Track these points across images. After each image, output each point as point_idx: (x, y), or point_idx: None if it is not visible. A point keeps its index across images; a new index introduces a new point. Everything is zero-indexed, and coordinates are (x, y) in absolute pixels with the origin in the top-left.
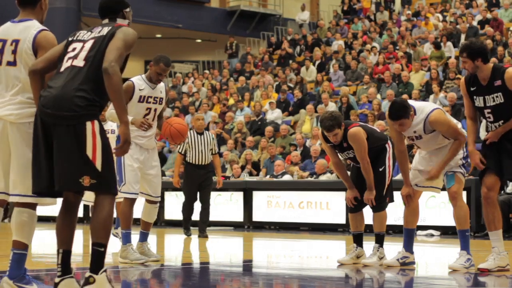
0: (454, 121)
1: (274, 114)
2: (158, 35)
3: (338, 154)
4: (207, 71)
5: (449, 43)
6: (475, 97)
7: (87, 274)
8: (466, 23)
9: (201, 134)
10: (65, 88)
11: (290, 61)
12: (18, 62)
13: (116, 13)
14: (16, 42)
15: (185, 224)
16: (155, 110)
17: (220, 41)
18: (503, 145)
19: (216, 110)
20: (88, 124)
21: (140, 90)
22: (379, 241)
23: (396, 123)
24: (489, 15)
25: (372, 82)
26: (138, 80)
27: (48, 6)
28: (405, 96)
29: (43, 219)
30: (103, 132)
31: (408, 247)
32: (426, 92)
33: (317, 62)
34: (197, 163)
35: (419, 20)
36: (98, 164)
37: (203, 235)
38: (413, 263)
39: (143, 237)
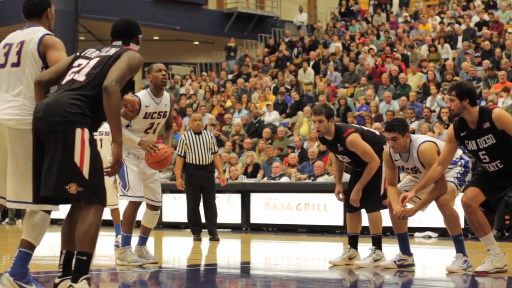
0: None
1: (271, 116)
2: (156, 37)
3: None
4: (204, 73)
5: (447, 45)
6: (466, 141)
7: (68, 283)
8: (464, 25)
9: (199, 134)
10: (59, 96)
11: (288, 63)
12: (22, 62)
13: (132, 38)
14: (21, 43)
15: (193, 230)
16: (158, 124)
17: (218, 43)
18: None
19: (214, 112)
20: (78, 131)
21: (146, 107)
22: (376, 243)
23: (390, 135)
24: (486, 17)
25: (370, 84)
26: (145, 96)
27: (54, 16)
28: (403, 98)
29: None
30: (93, 141)
31: (405, 250)
32: (423, 94)
33: (311, 63)
34: (197, 163)
35: (416, 22)
36: (86, 172)
37: (214, 238)
38: (413, 265)
39: (142, 241)
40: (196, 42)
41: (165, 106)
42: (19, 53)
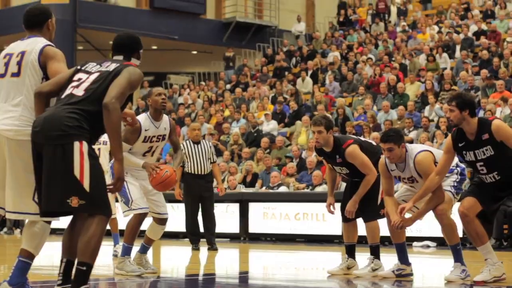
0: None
1: (270, 126)
2: (154, 47)
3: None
4: (203, 83)
5: (445, 54)
6: (464, 152)
7: None
8: (461, 34)
9: (197, 143)
10: (57, 110)
11: (286, 73)
12: (22, 72)
13: (133, 53)
14: (22, 53)
15: (192, 239)
16: (157, 147)
17: (216, 53)
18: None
19: (213, 122)
20: (76, 144)
21: (145, 131)
22: (374, 252)
23: (385, 146)
24: (484, 26)
25: (368, 94)
26: (145, 120)
27: (55, 26)
28: (401, 107)
29: None
30: (92, 153)
31: (403, 259)
32: (421, 103)
33: (309, 72)
34: (196, 173)
35: (414, 31)
36: (86, 185)
37: (213, 248)
38: (411, 274)
39: (144, 250)
40: (194, 52)
41: (164, 129)
42: (19, 63)
